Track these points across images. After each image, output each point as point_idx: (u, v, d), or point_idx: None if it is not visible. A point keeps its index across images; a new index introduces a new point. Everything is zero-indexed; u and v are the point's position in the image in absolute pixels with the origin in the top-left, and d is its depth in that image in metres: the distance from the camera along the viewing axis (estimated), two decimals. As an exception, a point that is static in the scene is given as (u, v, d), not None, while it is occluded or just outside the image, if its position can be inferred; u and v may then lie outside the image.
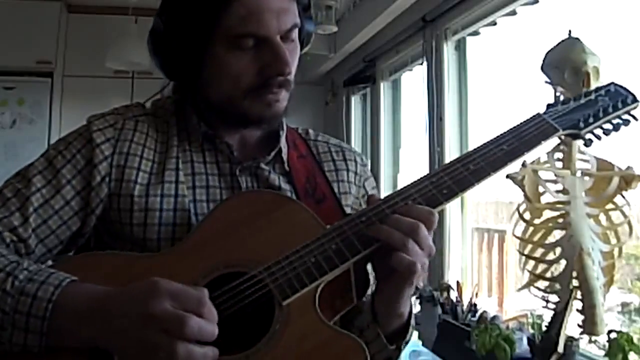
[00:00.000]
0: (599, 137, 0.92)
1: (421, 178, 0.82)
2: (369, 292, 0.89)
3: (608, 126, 0.92)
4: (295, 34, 0.86)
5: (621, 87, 0.95)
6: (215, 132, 0.90)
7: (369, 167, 1.05)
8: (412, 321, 0.86)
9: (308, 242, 0.76)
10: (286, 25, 0.83)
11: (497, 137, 0.86)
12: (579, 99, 0.93)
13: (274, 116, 0.88)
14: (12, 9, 3.82)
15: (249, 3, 0.80)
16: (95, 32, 3.92)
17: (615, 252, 1.45)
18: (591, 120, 0.90)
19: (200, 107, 0.92)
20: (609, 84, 0.96)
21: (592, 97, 0.93)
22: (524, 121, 0.88)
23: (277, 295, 0.73)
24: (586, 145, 0.92)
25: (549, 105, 0.93)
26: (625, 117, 0.93)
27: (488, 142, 0.85)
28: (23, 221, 0.80)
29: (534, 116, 0.89)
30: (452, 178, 0.81)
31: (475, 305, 2.22)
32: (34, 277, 0.71)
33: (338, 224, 0.78)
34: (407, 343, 0.86)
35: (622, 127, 0.93)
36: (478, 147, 0.85)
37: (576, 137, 0.91)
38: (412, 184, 0.81)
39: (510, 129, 0.87)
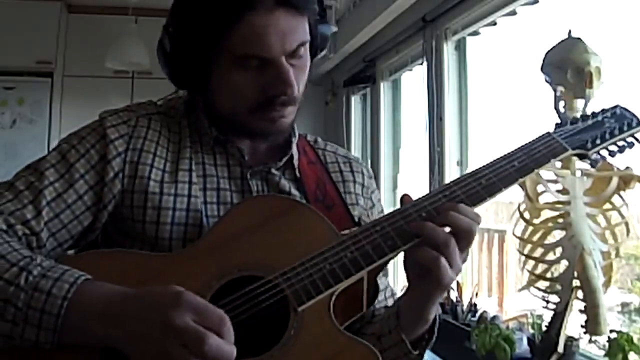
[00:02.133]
0: (604, 158, 0.95)
1: (434, 191, 0.82)
2: (376, 304, 0.89)
3: (613, 148, 0.95)
4: (302, 50, 0.85)
5: (626, 110, 0.97)
6: (227, 137, 0.90)
7: (374, 179, 1.06)
8: (436, 326, 0.85)
9: (323, 250, 0.76)
10: (291, 45, 0.82)
11: (508, 153, 0.87)
12: (586, 120, 0.96)
13: (278, 131, 0.89)
14: (12, 9, 3.81)
15: (254, 24, 0.79)
16: (95, 32, 3.91)
17: (613, 253, 1.45)
18: (598, 141, 0.93)
19: (211, 113, 0.92)
20: (614, 107, 0.98)
21: (599, 118, 0.96)
22: (534, 139, 0.90)
23: (292, 300, 0.73)
24: (592, 166, 0.95)
25: (557, 125, 0.95)
26: (630, 139, 0.95)
27: (499, 158, 0.87)
28: (36, 214, 0.79)
29: (543, 135, 0.91)
30: (465, 192, 0.81)
31: (475, 305, 2.23)
32: (48, 274, 0.70)
33: (353, 233, 0.78)
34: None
35: (627, 149, 0.95)
36: (489, 163, 0.86)
37: (583, 157, 0.93)
38: (425, 196, 0.82)
39: (521, 147, 0.88)
